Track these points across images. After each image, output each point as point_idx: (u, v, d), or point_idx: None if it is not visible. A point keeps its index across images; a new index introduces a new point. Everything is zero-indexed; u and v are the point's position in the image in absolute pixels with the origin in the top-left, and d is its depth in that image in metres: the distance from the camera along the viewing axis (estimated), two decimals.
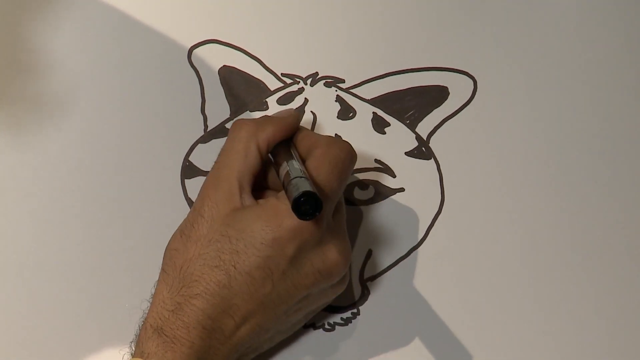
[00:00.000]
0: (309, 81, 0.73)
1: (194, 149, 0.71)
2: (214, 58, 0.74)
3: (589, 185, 0.70)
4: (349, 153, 0.62)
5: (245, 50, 0.74)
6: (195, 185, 0.70)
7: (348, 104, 0.73)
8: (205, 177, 0.69)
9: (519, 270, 0.67)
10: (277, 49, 0.74)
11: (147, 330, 0.57)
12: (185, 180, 0.70)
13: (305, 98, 0.73)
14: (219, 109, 0.72)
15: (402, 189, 0.70)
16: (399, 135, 0.72)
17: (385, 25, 0.75)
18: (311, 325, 0.65)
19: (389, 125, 0.72)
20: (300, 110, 0.72)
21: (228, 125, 0.72)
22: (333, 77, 0.73)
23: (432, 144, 0.72)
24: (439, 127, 0.72)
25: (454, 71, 0.74)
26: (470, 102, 0.73)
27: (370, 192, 0.70)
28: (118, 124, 0.72)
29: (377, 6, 0.76)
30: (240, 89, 0.73)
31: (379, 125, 0.72)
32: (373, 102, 0.73)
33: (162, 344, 0.56)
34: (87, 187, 0.70)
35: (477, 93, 0.73)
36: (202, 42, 0.74)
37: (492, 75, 0.74)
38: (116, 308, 0.65)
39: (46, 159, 0.70)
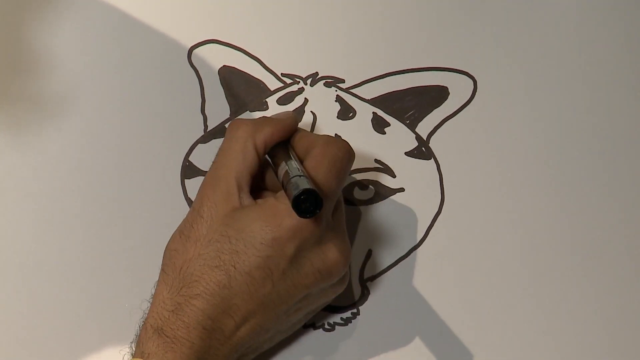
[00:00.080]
0: (309, 81, 0.73)
1: (194, 149, 0.71)
2: (214, 58, 0.74)
3: (588, 185, 0.70)
4: (347, 152, 0.62)
5: (245, 50, 0.74)
6: (195, 185, 0.69)
7: (348, 104, 0.73)
8: (204, 177, 0.69)
9: (519, 270, 0.67)
10: (277, 49, 0.74)
11: (148, 330, 0.57)
12: (185, 180, 0.70)
13: (305, 98, 0.73)
14: (219, 109, 0.72)
15: (402, 189, 0.70)
16: (399, 135, 0.72)
17: (385, 25, 0.75)
18: (311, 325, 0.65)
19: (389, 125, 0.72)
20: (300, 110, 0.72)
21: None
22: (333, 77, 0.73)
23: (432, 144, 0.72)
24: (439, 127, 0.72)
25: (454, 71, 0.74)
26: (470, 102, 0.73)
27: (370, 192, 0.70)
28: (118, 124, 0.72)
29: (377, 6, 0.76)
30: (240, 89, 0.73)
31: (379, 125, 0.72)
32: (373, 102, 0.73)
33: (163, 344, 0.56)
34: (87, 187, 0.70)
35: (477, 93, 0.73)
36: (202, 42, 0.74)
37: (492, 76, 0.74)
38: (116, 308, 0.65)
39: (46, 159, 0.70)
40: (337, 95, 0.73)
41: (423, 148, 0.71)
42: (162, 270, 0.60)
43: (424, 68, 0.74)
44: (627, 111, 0.73)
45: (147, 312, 0.59)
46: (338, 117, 0.72)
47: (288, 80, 0.73)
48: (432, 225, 0.69)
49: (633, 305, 0.66)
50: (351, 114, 0.72)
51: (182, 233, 0.60)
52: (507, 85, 0.73)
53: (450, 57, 0.74)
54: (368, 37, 0.75)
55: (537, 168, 0.71)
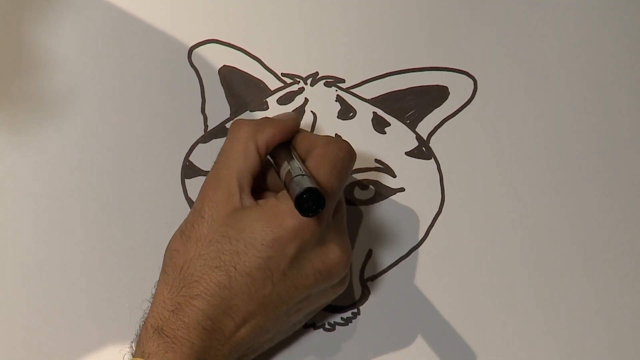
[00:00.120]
0: (309, 81, 0.73)
1: (194, 148, 0.71)
2: (214, 58, 0.74)
3: (589, 185, 0.70)
4: (348, 152, 0.62)
5: (245, 50, 0.74)
6: (195, 185, 0.70)
7: (348, 103, 0.73)
8: (204, 177, 0.69)
9: (519, 269, 0.68)
10: (277, 49, 0.74)
11: (148, 330, 0.57)
12: (186, 180, 0.70)
13: (306, 98, 0.73)
14: (219, 109, 0.72)
15: (402, 189, 0.70)
16: (399, 135, 0.72)
17: (385, 25, 0.75)
18: (311, 325, 0.65)
19: (389, 125, 0.72)
20: (300, 110, 0.72)
21: (228, 125, 0.71)
22: (333, 76, 0.73)
23: (432, 143, 0.72)
24: (439, 127, 0.72)
25: (454, 71, 0.74)
26: (470, 102, 0.73)
27: (370, 192, 0.70)
28: (118, 123, 0.72)
29: (377, 6, 0.76)
30: (241, 88, 0.73)
31: (379, 125, 0.72)
32: (373, 101, 0.73)
33: (163, 344, 0.56)
34: (88, 187, 0.70)
35: (477, 93, 0.73)
36: (202, 42, 0.74)
37: (492, 75, 0.74)
38: (116, 308, 0.65)
39: (46, 159, 0.70)
40: (338, 95, 0.73)
41: (423, 148, 0.71)
42: (163, 270, 0.60)
43: (424, 68, 0.74)
44: (628, 111, 0.73)
45: (147, 311, 0.59)
46: (338, 117, 0.72)
47: (288, 80, 0.73)
48: (433, 225, 0.69)
49: (634, 305, 0.66)
50: (351, 114, 0.72)
51: (183, 233, 0.60)
52: (507, 85, 0.73)
53: (450, 57, 0.74)
54: (368, 37, 0.75)
55: (537, 168, 0.71)
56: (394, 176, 0.71)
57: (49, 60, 0.73)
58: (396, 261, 0.68)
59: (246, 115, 0.72)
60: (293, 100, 0.73)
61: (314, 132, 0.71)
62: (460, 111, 0.73)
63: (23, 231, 0.68)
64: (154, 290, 0.59)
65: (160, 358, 0.56)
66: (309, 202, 0.55)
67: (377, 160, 0.71)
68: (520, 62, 0.74)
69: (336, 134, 0.71)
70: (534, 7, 0.76)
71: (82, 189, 0.69)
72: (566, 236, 0.69)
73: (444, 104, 0.73)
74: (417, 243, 0.68)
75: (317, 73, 0.74)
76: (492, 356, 0.65)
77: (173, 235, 0.61)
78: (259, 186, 0.63)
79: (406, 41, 0.75)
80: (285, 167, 0.59)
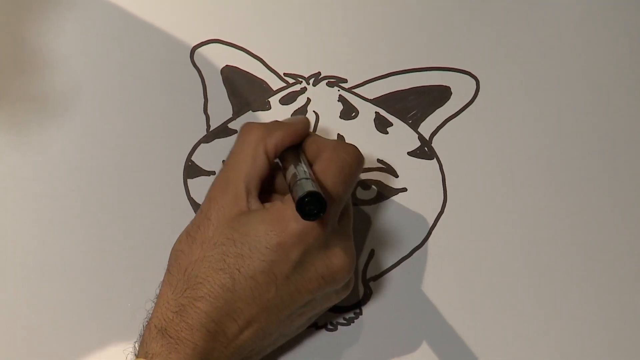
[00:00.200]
0: (311, 81, 0.73)
1: (196, 148, 0.71)
2: (217, 58, 0.74)
3: (591, 185, 0.70)
4: (356, 157, 0.61)
5: (247, 50, 0.74)
6: (197, 185, 0.70)
7: (350, 103, 0.73)
8: (207, 177, 0.69)
9: (522, 270, 0.68)
10: (280, 49, 0.74)
11: (152, 330, 0.57)
12: (188, 180, 0.70)
13: (308, 98, 0.73)
14: (221, 109, 0.72)
15: (404, 189, 0.70)
16: (402, 135, 0.72)
17: (387, 25, 0.75)
18: (313, 324, 0.65)
19: (392, 125, 0.72)
20: (303, 110, 0.72)
21: (231, 125, 0.72)
22: (335, 76, 0.73)
23: (435, 143, 0.72)
24: (441, 127, 0.72)
25: (456, 71, 0.74)
26: (472, 102, 0.73)
27: (372, 192, 0.70)
28: (120, 123, 0.72)
29: (379, 6, 0.76)
30: (243, 88, 0.73)
31: (382, 125, 0.72)
32: (375, 101, 0.73)
33: (166, 345, 0.56)
34: (89, 186, 0.69)
35: (479, 93, 0.73)
36: (204, 42, 0.74)
37: (494, 75, 0.74)
38: (119, 308, 0.65)
39: (48, 159, 0.70)
40: (340, 95, 0.73)
41: (425, 148, 0.71)
42: (168, 270, 0.60)
43: (426, 68, 0.74)
44: (630, 111, 0.73)
45: (151, 312, 0.59)
46: (340, 117, 0.72)
47: (291, 80, 0.73)
48: (435, 225, 0.69)
49: (635, 306, 0.66)
50: (354, 114, 0.72)
51: (189, 234, 0.60)
52: (510, 85, 0.73)
53: (452, 57, 0.74)
54: (371, 37, 0.75)
55: (539, 168, 0.71)
56: (396, 176, 0.71)
57: (50, 60, 0.73)
58: (398, 261, 0.68)
59: (249, 115, 0.72)
60: (295, 100, 0.73)
61: (316, 132, 0.71)
62: (463, 111, 0.73)
63: (24, 231, 0.68)
64: (158, 291, 0.59)
65: (163, 359, 0.56)
66: (311, 205, 0.55)
67: (379, 160, 0.71)
68: (523, 62, 0.74)
69: (339, 134, 0.71)
70: (536, 8, 0.76)
71: (83, 189, 0.69)
72: (568, 236, 0.69)
73: (447, 104, 0.73)
74: (419, 243, 0.69)
75: (319, 73, 0.74)
76: (493, 356, 0.65)
77: (179, 236, 0.61)
78: (268, 188, 0.63)
79: (408, 41, 0.75)
80: (291, 170, 0.59)
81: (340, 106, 0.73)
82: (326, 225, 0.58)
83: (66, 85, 0.72)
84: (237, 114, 0.72)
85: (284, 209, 0.58)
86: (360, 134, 0.71)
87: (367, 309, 0.67)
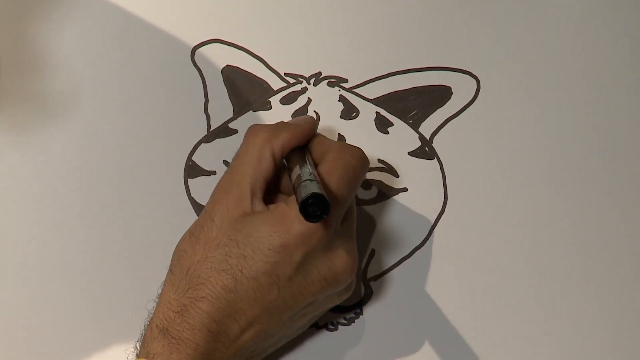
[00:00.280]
0: (312, 81, 0.73)
1: (197, 148, 0.71)
2: (217, 58, 0.74)
3: (591, 185, 0.70)
4: (361, 159, 0.62)
5: (248, 50, 0.74)
6: (198, 184, 0.70)
7: (351, 103, 0.73)
8: (207, 177, 0.69)
9: (522, 270, 0.68)
10: (280, 49, 0.74)
11: (153, 330, 0.57)
12: (189, 179, 0.70)
13: (309, 98, 0.73)
14: (222, 109, 0.72)
15: (405, 189, 0.70)
16: (402, 135, 0.72)
17: (388, 25, 0.75)
18: (314, 324, 0.66)
19: (392, 125, 0.72)
20: (303, 110, 0.72)
21: (231, 125, 0.72)
22: (336, 76, 0.73)
23: (435, 143, 0.72)
24: (442, 127, 0.72)
25: (457, 71, 0.74)
26: (473, 102, 0.73)
27: (373, 192, 0.70)
28: (121, 123, 0.71)
29: (380, 6, 0.76)
30: (244, 88, 0.73)
31: (382, 125, 0.72)
32: (376, 101, 0.73)
33: (168, 345, 0.56)
34: (90, 186, 0.69)
35: (480, 93, 0.73)
36: (205, 41, 0.74)
37: (495, 75, 0.74)
38: (121, 308, 0.65)
39: (49, 159, 0.70)
40: (340, 94, 0.73)
41: (426, 148, 0.71)
42: (170, 270, 0.60)
43: (427, 68, 0.74)
44: (630, 111, 0.73)
45: (152, 312, 0.59)
46: (341, 117, 0.72)
47: (291, 80, 0.73)
48: (435, 225, 0.69)
49: (636, 306, 0.66)
50: (354, 114, 0.72)
51: (192, 234, 0.60)
52: (510, 85, 0.73)
53: (453, 57, 0.74)
54: (371, 37, 0.75)
55: (540, 168, 0.71)
56: (397, 176, 0.71)
57: (51, 60, 0.73)
58: (399, 261, 0.68)
59: (249, 115, 0.72)
60: (296, 100, 0.73)
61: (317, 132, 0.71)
62: (463, 111, 0.73)
63: (25, 231, 0.68)
64: (159, 290, 0.59)
65: (165, 359, 0.56)
66: (314, 207, 0.55)
67: (380, 160, 0.71)
68: (523, 62, 0.74)
69: (339, 134, 0.71)
70: (536, 8, 0.76)
71: (84, 189, 0.69)
72: (569, 236, 0.69)
73: (447, 104, 0.73)
74: (419, 243, 0.69)
75: (320, 73, 0.74)
76: (493, 355, 0.65)
77: (182, 236, 0.61)
78: (274, 188, 0.63)
79: (409, 41, 0.75)
80: (296, 171, 0.59)
81: (340, 106, 0.73)
82: (329, 227, 0.58)
83: (67, 85, 0.72)
84: (237, 113, 0.72)
85: (288, 211, 0.58)
86: (361, 133, 0.71)
87: (368, 309, 0.67)
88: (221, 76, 0.73)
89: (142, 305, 0.61)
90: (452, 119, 0.72)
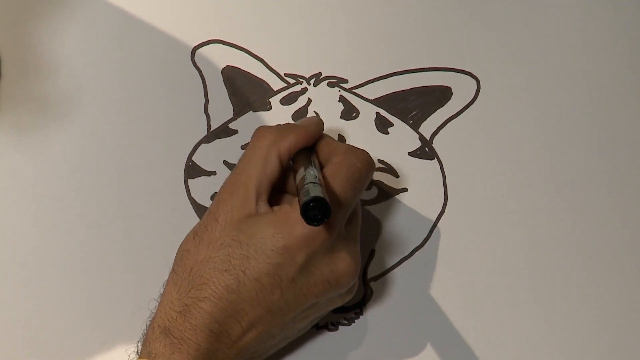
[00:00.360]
0: (312, 81, 0.73)
1: (197, 148, 0.71)
2: (217, 58, 0.74)
3: (591, 185, 0.70)
4: (367, 162, 0.62)
5: (248, 51, 0.74)
6: (198, 185, 0.70)
7: (351, 104, 0.73)
8: (207, 177, 0.69)
9: (523, 270, 0.68)
10: (281, 49, 0.74)
11: (155, 330, 0.57)
12: (189, 180, 0.70)
13: (309, 98, 0.73)
14: (222, 109, 0.72)
15: (405, 189, 0.70)
16: (402, 136, 0.72)
17: (388, 26, 0.75)
18: (315, 325, 0.65)
19: (392, 125, 0.72)
20: (303, 110, 0.72)
21: (231, 125, 0.72)
22: (336, 77, 0.73)
23: (435, 144, 0.72)
24: (442, 127, 0.72)
25: (457, 71, 0.74)
26: (473, 102, 0.73)
27: (373, 192, 0.70)
28: (121, 124, 0.71)
29: (380, 6, 0.76)
30: (244, 89, 0.73)
31: (382, 125, 0.72)
32: (376, 102, 0.73)
33: (170, 345, 0.56)
34: (91, 187, 0.69)
35: (480, 93, 0.73)
36: (205, 42, 0.74)
37: (495, 76, 0.74)
38: (122, 308, 0.65)
39: (50, 159, 0.70)
40: (341, 95, 0.73)
41: (426, 148, 0.72)
42: (173, 270, 0.60)
43: (427, 68, 0.74)
44: (630, 111, 0.73)
45: (154, 311, 0.59)
46: (341, 117, 0.72)
47: (291, 81, 0.73)
48: (436, 226, 0.69)
49: (636, 306, 0.67)
50: (354, 114, 0.72)
51: (196, 234, 0.60)
52: (510, 86, 0.74)
53: (453, 58, 0.74)
54: (371, 37, 0.75)
55: (540, 168, 0.71)
56: (397, 176, 0.71)
57: (52, 62, 0.73)
58: (399, 261, 0.68)
59: (249, 115, 0.72)
60: (296, 100, 0.73)
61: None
62: (463, 111, 0.73)
63: (26, 231, 0.68)
64: (162, 290, 0.59)
65: (166, 359, 0.56)
66: (315, 210, 0.55)
67: (380, 161, 0.71)
68: (523, 62, 0.74)
69: (339, 135, 0.71)
70: (537, 8, 0.76)
71: (85, 189, 0.69)
72: (569, 236, 0.69)
73: (447, 104, 0.73)
74: (420, 243, 0.69)
75: (320, 73, 0.74)
76: (494, 355, 0.65)
77: (186, 236, 0.61)
78: (280, 189, 0.63)
79: (409, 41, 0.75)
80: (300, 173, 0.59)
81: (341, 106, 0.73)
82: (333, 230, 0.58)
83: (67, 86, 0.72)
84: (237, 114, 0.72)
85: (291, 213, 0.58)
86: (361, 134, 0.71)
87: (368, 309, 0.67)
88: (221, 76, 0.73)
89: (143, 305, 0.61)
90: (452, 120, 0.72)
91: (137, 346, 0.59)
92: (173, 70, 0.73)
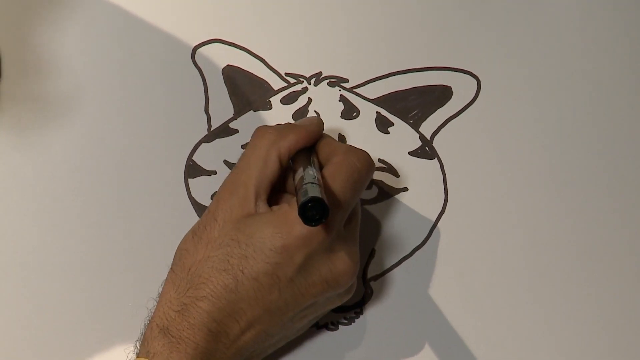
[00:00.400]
0: (312, 81, 0.73)
1: (197, 148, 0.71)
2: (218, 57, 0.74)
3: (592, 185, 0.70)
4: (367, 163, 0.61)
5: (249, 50, 0.74)
6: (198, 184, 0.70)
7: (352, 103, 0.73)
8: (208, 177, 0.69)
9: (523, 269, 0.68)
10: (281, 49, 0.74)
11: (153, 329, 0.57)
12: (189, 179, 0.70)
13: (309, 98, 0.73)
14: (222, 109, 0.72)
15: (405, 189, 0.70)
16: (403, 135, 0.72)
17: (389, 25, 0.75)
18: (314, 324, 0.65)
19: (393, 124, 0.72)
20: (304, 110, 0.72)
21: (232, 125, 0.72)
22: (337, 76, 0.73)
23: (436, 143, 0.72)
24: (442, 127, 0.72)
25: (457, 71, 0.74)
26: (473, 101, 0.73)
27: (373, 192, 0.70)
28: (122, 123, 0.72)
29: (380, 6, 0.76)
30: (244, 88, 0.73)
31: (383, 124, 0.72)
32: (377, 101, 0.73)
33: (168, 344, 0.56)
34: (91, 186, 0.70)
35: (480, 93, 0.73)
36: (205, 41, 0.74)
37: (495, 75, 0.74)
38: (121, 307, 0.65)
39: (50, 159, 0.70)
40: (341, 94, 0.73)
41: (427, 148, 0.72)
42: (171, 269, 0.60)
43: (427, 68, 0.74)
44: (630, 111, 0.73)
45: (153, 310, 0.59)
46: (342, 117, 0.72)
47: (292, 80, 0.73)
48: (436, 225, 0.69)
49: (636, 306, 0.67)
50: (355, 114, 0.72)
51: (195, 234, 0.60)
52: (511, 85, 0.73)
53: (453, 57, 0.74)
54: (372, 36, 0.75)
55: (540, 168, 0.71)
56: (397, 176, 0.71)
57: (52, 61, 0.73)
58: (399, 261, 0.68)
59: (249, 114, 0.72)
60: (297, 100, 0.73)
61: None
62: (464, 111, 0.73)
63: (26, 231, 0.68)
64: (160, 289, 0.60)
65: (165, 358, 0.56)
66: (313, 211, 0.54)
67: (380, 160, 0.71)
68: (524, 62, 0.74)
69: (340, 134, 0.71)
70: (537, 8, 0.76)
71: (85, 189, 0.69)
72: (569, 236, 0.69)
73: (448, 103, 0.73)
74: (420, 243, 0.69)
75: (320, 73, 0.74)
76: (494, 355, 0.65)
77: (185, 235, 0.61)
78: (280, 188, 0.63)
79: (409, 41, 0.75)
80: (299, 173, 0.59)
81: (341, 106, 0.73)
82: (331, 230, 0.58)
83: (68, 86, 0.72)
84: (238, 113, 0.72)
85: (290, 212, 0.58)
86: (362, 133, 0.71)
87: (368, 309, 0.67)
88: (222, 76, 0.73)
89: (142, 305, 0.61)
90: (452, 119, 0.72)
91: (136, 345, 0.59)
92: (173, 69, 0.73)
